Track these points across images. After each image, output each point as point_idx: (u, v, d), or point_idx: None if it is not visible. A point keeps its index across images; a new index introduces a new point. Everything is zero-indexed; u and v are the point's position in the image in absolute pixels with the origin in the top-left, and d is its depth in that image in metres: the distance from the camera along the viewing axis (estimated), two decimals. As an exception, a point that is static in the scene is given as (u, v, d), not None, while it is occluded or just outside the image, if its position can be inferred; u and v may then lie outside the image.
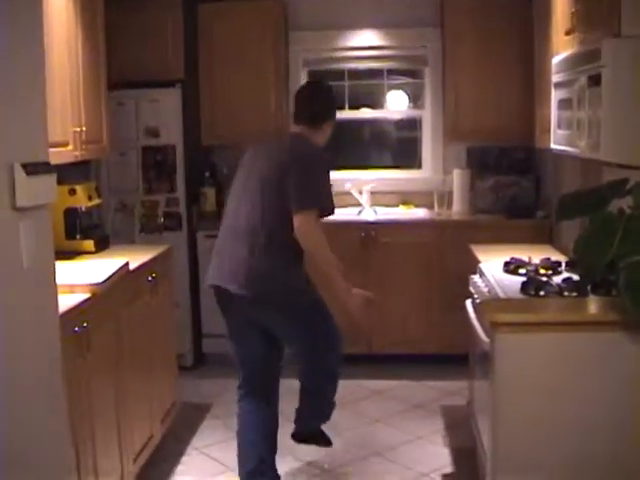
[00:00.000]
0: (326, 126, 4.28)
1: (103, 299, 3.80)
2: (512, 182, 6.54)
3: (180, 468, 4.73)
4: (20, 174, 2.61)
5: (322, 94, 4.40)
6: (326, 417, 4.47)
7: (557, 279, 3.91)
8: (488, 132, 6.43)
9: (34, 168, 2.68)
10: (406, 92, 7.29)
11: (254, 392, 4.31)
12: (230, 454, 4.83)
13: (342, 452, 4.87)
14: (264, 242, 4.01)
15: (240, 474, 4.26)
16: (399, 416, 5.42)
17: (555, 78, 4.32)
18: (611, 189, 3.15)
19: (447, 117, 6.67)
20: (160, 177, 6.36)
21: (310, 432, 4.54)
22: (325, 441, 4.59)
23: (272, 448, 4.32)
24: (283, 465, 4.64)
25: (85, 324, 3.49)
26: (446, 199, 6.67)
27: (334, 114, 4.34)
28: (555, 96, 4.33)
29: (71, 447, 3.27)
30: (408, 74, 7.27)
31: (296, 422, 4.50)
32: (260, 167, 4.15)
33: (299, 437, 4.54)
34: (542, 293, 3.68)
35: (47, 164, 2.86)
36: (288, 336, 4.23)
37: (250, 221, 4.07)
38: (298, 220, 3.93)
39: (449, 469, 4.64)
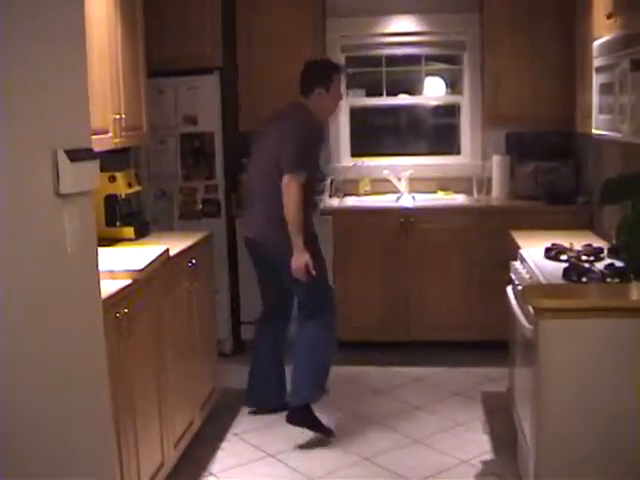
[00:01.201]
0: (315, 96, 5.07)
1: (143, 285, 3.82)
2: (552, 168, 6.49)
3: (220, 454, 4.75)
4: (64, 160, 2.62)
5: (308, 68, 5.17)
6: (319, 388, 4.99)
7: (599, 265, 3.88)
8: (527, 117, 6.37)
9: (77, 155, 2.69)
10: (443, 78, 7.25)
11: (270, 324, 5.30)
12: (269, 440, 4.89)
13: (382, 440, 4.87)
14: (271, 197, 4.90)
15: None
16: (439, 403, 5.40)
17: (596, 62, 4.28)
18: (655, 173, 3.12)
19: (486, 103, 6.62)
20: (198, 164, 6.38)
21: (302, 409, 4.92)
22: (325, 430, 4.89)
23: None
24: (320, 455, 4.68)
25: (126, 310, 3.51)
26: (485, 185, 6.63)
27: (321, 84, 5.07)
28: (596, 80, 4.29)
29: (113, 432, 3.29)
30: (445, 60, 7.23)
31: (289, 397, 5.04)
32: (269, 131, 5.09)
33: (294, 417, 4.93)
34: (584, 279, 3.65)
35: (90, 150, 2.88)
36: (290, 281, 4.97)
37: (261, 178, 5.01)
38: (284, 180, 4.81)
39: (489, 456, 4.62)
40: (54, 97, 2.65)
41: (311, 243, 4.94)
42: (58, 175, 2.61)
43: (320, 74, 5.10)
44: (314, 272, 4.82)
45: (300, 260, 4.79)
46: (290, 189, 4.78)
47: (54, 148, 2.61)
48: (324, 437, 4.84)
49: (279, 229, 4.83)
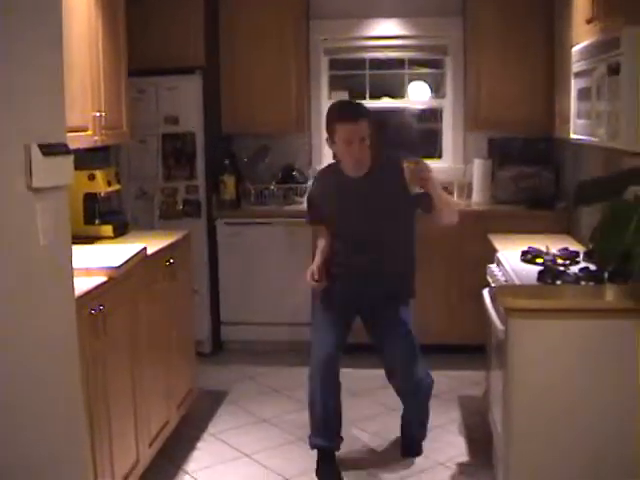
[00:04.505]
0: (331, 144, 4.46)
1: (120, 283, 3.81)
2: (533, 173, 6.51)
3: (196, 453, 4.75)
4: (37, 155, 2.61)
5: None
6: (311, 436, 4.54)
7: (574, 269, 3.90)
8: (509, 122, 6.40)
9: (51, 149, 2.69)
10: (428, 83, 7.26)
11: None
12: (246, 440, 4.89)
13: (358, 441, 4.87)
14: None
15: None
16: (416, 405, 5.41)
17: (575, 67, 4.30)
18: (629, 176, 3.13)
19: (468, 107, 6.65)
20: (180, 164, 6.38)
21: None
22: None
23: None
24: (294, 456, 4.72)
25: (101, 307, 3.50)
26: (466, 189, 6.65)
27: (328, 130, 4.43)
28: (575, 85, 4.31)
29: (86, 429, 3.28)
30: (429, 64, 7.25)
31: None
32: None
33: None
34: (559, 282, 3.67)
35: (64, 145, 2.87)
36: None
37: None
38: None
39: (465, 458, 4.64)
40: (28, 92, 2.64)
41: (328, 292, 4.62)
42: (31, 169, 2.60)
43: (326, 125, 4.47)
44: (310, 279, 4.51)
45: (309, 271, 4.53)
46: None
47: (27, 142, 2.60)
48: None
49: None
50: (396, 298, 4.55)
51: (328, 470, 4.46)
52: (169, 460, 4.60)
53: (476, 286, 4.76)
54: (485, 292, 4.32)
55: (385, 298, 4.52)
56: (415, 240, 4.57)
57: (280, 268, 6.47)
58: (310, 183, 4.98)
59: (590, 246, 3.72)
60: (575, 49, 4.35)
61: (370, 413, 5.31)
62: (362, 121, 4.30)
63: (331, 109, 4.52)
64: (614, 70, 3.44)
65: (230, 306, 6.58)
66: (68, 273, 2.98)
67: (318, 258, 4.59)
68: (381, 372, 4.63)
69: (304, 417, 4.68)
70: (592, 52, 3.90)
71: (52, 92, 2.85)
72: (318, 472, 4.46)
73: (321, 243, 4.68)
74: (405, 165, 4.17)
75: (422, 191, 4.26)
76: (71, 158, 2.91)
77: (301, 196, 6.62)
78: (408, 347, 4.51)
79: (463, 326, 6.13)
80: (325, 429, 4.47)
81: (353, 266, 4.53)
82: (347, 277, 4.56)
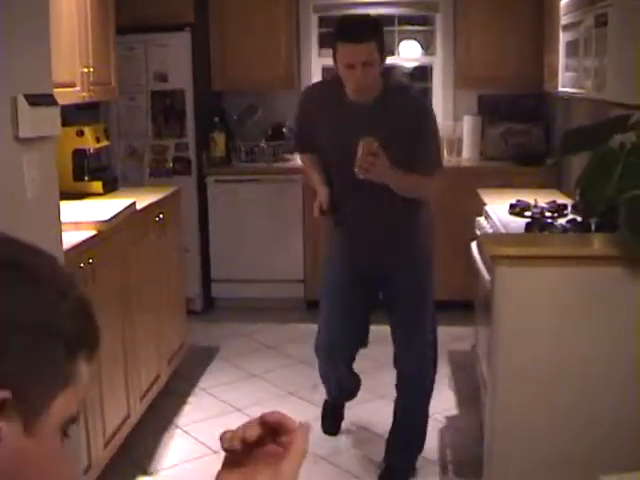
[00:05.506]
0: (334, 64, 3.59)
1: (109, 237, 3.82)
2: (523, 129, 6.51)
3: (187, 408, 4.79)
4: (23, 105, 2.62)
5: None
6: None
7: (562, 221, 3.91)
8: (499, 79, 6.38)
9: (37, 99, 2.69)
10: (418, 42, 7.23)
11: None
12: (237, 395, 4.92)
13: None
14: None
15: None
16: (405, 360, 5.44)
17: (563, 20, 4.30)
18: (614, 124, 3.14)
19: (458, 63, 6.63)
20: (169, 122, 6.36)
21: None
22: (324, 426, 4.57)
23: None
24: (288, 411, 4.74)
25: (90, 260, 3.51)
26: (456, 146, 6.65)
27: (332, 47, 3.57)
28: (563, 38, 4.31)
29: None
30: (420, 23, 7.21)
31: None
32: None
33: None
34: (546, 234, 3.68)
35: (50, 96, 2.87)
36: None
37: None
38: None
39: (454, 411, 4.69)
40: (15, 43, 2.64)
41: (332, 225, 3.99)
42: (17, 119, 2.61)
43: (330, 41, 3.63)
44: (318, 213, 3.78)
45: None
46: None
47: (14, 93, 2.60)
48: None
49: None
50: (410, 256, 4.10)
51: (332, 419, 4.53)
52: (160, 414, 4.63)
53: (465, 243, 4.79)
54: (473, 245, 4.34)
55: (397, 259, 4.05)
56: None
57: (270, 225, 6.48)
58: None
59: (577, 195, 3.72)
60: (564, 1, 4.34)
61: (364, 368, 5.33)
62: (367, 43, 3.40)
63: (336, 24, 3.71)
64: (602, 22, 3.44)
65: (221, 263, 6.59)
66: (56, 226, 2.99)
67: (322, 188, 3.80)
68: (377, 328, 4.63)
69: (295, 372, 4.74)
70: (580, 4, 3.89)
71: (38, 43, 2.85)
72: (324, 420, 4.51)
73: (315, 175, 3.90)
74: (360, 143, 3.42)
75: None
76: (58, 109, 2.91)
77: (291, 153, 6.62)
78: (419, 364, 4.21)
79: (453, 282, 6.14)
80: (341, 395, 4.49)
81: (352, 211, 3.84)
82: (348, 226, 3.91)
